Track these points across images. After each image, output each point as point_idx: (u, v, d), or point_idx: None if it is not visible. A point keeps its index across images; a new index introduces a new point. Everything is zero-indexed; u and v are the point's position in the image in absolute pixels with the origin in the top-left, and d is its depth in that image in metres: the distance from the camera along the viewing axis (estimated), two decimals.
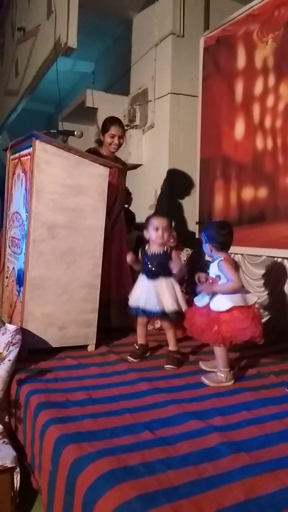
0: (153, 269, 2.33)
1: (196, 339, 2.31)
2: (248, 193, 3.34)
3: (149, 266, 2.34)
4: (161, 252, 2.35)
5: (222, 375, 2.09)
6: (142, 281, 2.36)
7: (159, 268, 2.33)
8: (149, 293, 2.29)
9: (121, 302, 2.77)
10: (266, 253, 3.05)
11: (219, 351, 2.10)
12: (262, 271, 3.11)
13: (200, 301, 2.17)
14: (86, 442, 1.49)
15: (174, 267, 2.37)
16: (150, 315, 2.35)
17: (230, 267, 2.09)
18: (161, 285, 2.30)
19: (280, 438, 1.57)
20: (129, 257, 2.41)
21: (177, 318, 2.28)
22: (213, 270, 2.16)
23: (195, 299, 2.22)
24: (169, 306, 2.26)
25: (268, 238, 3.05)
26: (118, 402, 1.85)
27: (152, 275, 2.32)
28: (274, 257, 3.03)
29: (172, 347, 2.40)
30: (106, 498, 1.21)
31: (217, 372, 2.11)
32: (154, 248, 2.37)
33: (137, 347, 2.46)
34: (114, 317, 2.96)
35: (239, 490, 1.26)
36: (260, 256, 3.11)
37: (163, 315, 2.28)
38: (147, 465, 1.36)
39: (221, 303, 2.05)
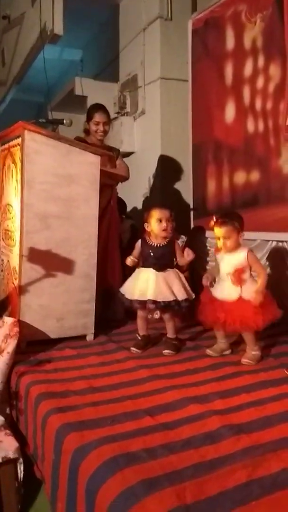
0: (160, 261, 2.30)
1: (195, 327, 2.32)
2: (240, 177, 3.32)
3: (155, 258, 2.31)
4: (165, 244, 2.33)
5: (258, 352, 2.20)
6: (146, 274, 2.31)
7: (165, 259, 2.32)
8: (159, 284, 2.26)
9: (104, 293, 2.75)
10: (261, 237, 3.04)
11: (251, 335, 2.18)
12: (258, 255, 3.10)
13: (228, 294, 2.17)
14: (88, 430, 1.49)
15: (179, 257, 2.37)
16: (160, 307, 2.30)
17: (256, 257, 2.24)
18: (170, 276, 2.30)
19: (281, 419, 1.58)
20: (131, 262, 2.37)
21: (188, 307, 2.30)
22: (235, 261, 2.16)
23: (219, 293, 2.21)
24: (183, 295, 2.27)
25: (262, 221, 3.04)
26: (119, 389, 1.85)
27: (159, 267, 2.29)
28: (269, 240, 3.03)
29: (171, 334, 2.40)
30: (109, 484, 1.21)
31: (251, 352, 2.18)
32: (157, 240, 2.34)
33: (139, 338, 2.43)
34: (98, 307, 2.86)
35: (241, 471, 1.26)
36: (254, 240, 3.11)
37: (176, 304, 2.26)
38: (149, 450, 1.36)
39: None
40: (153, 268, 2.30)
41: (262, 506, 1.14)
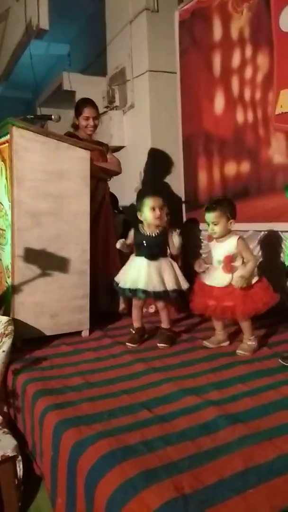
0: (153, 250, 2.31)
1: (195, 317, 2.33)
2: (231, 168, 3.32)
3: (148, 247, 2.31)
4: (158, 233, 2.34)
5: (254, 343, 2.20)
6: (139, 262, 2.32)
7: (157, 248, 2.33)
8: (150, 274, 2.27)
9: (109, 287, 2.76)
10: (253, 228, 3.05)
11: (247, 324, 2.19)
12: (250, 246, 3.11)
13: (218, 281, 2.18)
14: (85, 425, 1.50)
15: (171, 246, 2.37)
16: (151, 296, 2.30)
17: (247, 244, 2.23)
18: (161, 265, 2.30)
19: (276, 407, 1.60)
20: (119, 244, 2.36)
21: (179, 297, 2.31)
22: (226, 248, 2.17)
23: (209, 280, 2.22)
24: (172, 285, 2.27)
25: (253, 212, 3.05)
26: (115, 384, 1.86)
27: (151, 257, 2.30)
28: (260, 231, 3.04)
29: (165, 325, 2.41)
30: (108, 478, 1.22)
31: (247, 342, 2.19)
32: (151, 229, 2.34)
33: (134, 332, 2.42)
34: (102, 302, 2.94)
35: (238, 460, 1.28)
36: (247, 231, 3.11)
37: (165, 294, 2.27)
38: (146, 443, 1.37)
39: None
40: (146, 257, 2.30)
41: (259, 494, 1.15)
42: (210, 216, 2.18)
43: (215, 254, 2.23)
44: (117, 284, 2.38)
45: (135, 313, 2.45)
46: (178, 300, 2.37)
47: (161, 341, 2.33)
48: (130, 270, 2.34)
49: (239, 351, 2.16)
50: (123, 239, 2.39)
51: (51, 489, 1.51)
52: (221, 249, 2.20)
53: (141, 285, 2.26)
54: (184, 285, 2.33)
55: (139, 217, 2.37)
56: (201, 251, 3.62)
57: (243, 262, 2.19)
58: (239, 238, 2.19)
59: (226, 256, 2.16)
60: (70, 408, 1.64)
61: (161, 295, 2.28)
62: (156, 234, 2.34)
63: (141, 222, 2.37)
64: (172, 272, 2.31)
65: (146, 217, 2.33)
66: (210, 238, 2.30)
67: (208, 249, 2.39)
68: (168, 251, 2.40)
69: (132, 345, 2.34)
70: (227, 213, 2.17)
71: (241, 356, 2.13)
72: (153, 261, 2.30)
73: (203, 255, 3.57)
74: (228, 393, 1.72)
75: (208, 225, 2.20)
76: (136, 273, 2.30)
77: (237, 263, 2.18)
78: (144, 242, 2.32)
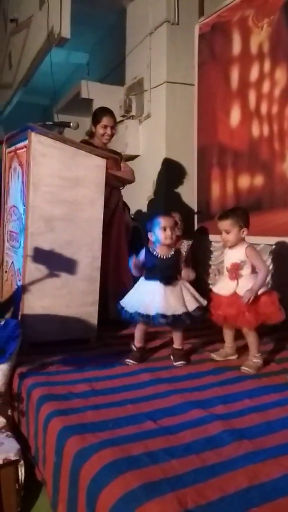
0: (167, 273, 2.17)
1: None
2: (244, 181, 3.32)
3: (161, 271, 2.17)
4: (171, 255, 2.21)
5: (260, 361, 2.16)
6: (152, 287, 2.16)
7: (171, 271, 2.19)
8: (167, 298, 2.12)
9: (120, 294, 2.76)
10: (264, 241, 3.04)
11: (253, 338, 2.16)
12: None
13: (225, 289, 2.18)
14: (89, 433, 1.49)
15: (182, 270, 2.24)
16: (169, 320, 2.12)
17: (258, 253, 2.21)
18: (177, 287, 2.18)
19: (283, 424, 1.57)
20: (132, 262, 2.25)
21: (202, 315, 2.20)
22: (235, 256, 2.17)
23: (217, 288, 2.22)
24: (192, 305, 2.16)
25: (266, 226, 3.04)
26: (120, 393, 1.85)
27: (166, 281, 2.16)
28: (272, 245, 3.02)
29: (177, 345, 2.28)
30: (110, 488, 1.21)
31: (253, 359, 2.15)
32: (163, 251, 2.20)
33: (135, 349, 2.31)
34: (113, 309, 2.94)
35: (242, 477, 1.26)
36: (258, 244, 3.10)
37: (186, 317, 2.13)
38: (150, 454, 1.36)
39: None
40: (160, 282, 2.16)
41: None
42: (223, 224, 2.19)
43: (226, 262, 2.24)
44: (123, 308, 2.23)
45: (139, 334, 2.30)
46: (199, 319, 2.21)
47: (176, 360, 2.22)
48: (142, 295, 2.18)
49: (243, 368, 2.12)
50: (135, 259, 2.24)
51: (52, 495, 1.50)
52: (230, 257, 2.20)
53: (159, 309, 2.10)
54: (203, 301, 2.21)
55: (149, 238, 2.24)
56: (210, 262, 3.61)
57: (252, 272, 2.18)
58: (248, 246, 2.18)
59: (232, 263, 2.16)
60: (75, 415, 1.63)
61: (181, 319, 2.13)
62: (170, 256, 2.20)
63: (151, 242, 2.25)
64: (188, 292, 2.19)
65: (157, 238, 2.20)
66: (224, 246, 2.31)
67: (219, 260, 2.39)
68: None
69: (133, 362, 2.24)
70: (240, 222, 2.17)
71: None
72: (169, 285, 2.16)
73: (212, 266, 3.57)
74: (234, 407, 1.71)
75: (221, 233, 2.21)
76: (150, 297, 2.15)
77: (244, 271, 2.16)
78: (157, 264, 2.19)
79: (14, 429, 1.89)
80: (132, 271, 2.28)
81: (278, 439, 1.48)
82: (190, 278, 2.23)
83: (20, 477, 1.70)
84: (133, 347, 2.33)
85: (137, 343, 2.31)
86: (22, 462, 1.70)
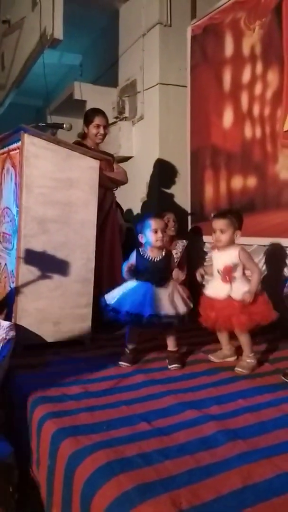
0: (158, 275, 2.16)
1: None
2: (237, 182, 3.33)
3: (152, 273, 2.17)
4: (162, 257, 2.21)
5: (253, 361, 2.16)
6: (144, 289, 2.15)
7: (163, 273, 2.19)
8: (158, 299, 2.12)
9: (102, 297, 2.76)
10: (257, 242, 3.05)
11: (245, 339, 2.17)
12: (255, 260, 3.11)
13: (218, 292, 2.17)
14: (83, 435, 1.49)
15: (174, 270, 2.25)
16: (159, 321, 2.12)
17: (250, 255, 2.21)
18: (168, 289, 2.17)
19: (276, 424, 1.58)
20: (126, 267, 2.25)
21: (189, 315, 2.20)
22: (227, 258, 2.17)
23: (209, 291, 2.21)
24: (182, 308, 2.15)
25: (259, 227, 3.05)
26: (114, 394, 1.85)
27: (157, 283, 2.15)
28: (265, 245, 3.04)
29: (172, 347, 2.27)
30: (104, 490, 1.21)
31: (247, 360, 2.15)
32: (154, 253, 2.20)
33: (128, 351, 2.29)
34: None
35: (236, 477, 1.26)
36: (251, 245, 3.12)
37: (177, 318, 2.13)
38: (144, 456, 1.36)
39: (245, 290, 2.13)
40: (152, 283, 2.15)
41: None
42: (218, 223, 2.18)
43: (216, 264, 2.23)
44: (110, 306, 2.18)
45: (131, 335, 2.28)
46: (186, 321, 2.22)
47: (171, 362, 2.20)
48: (133, 295, 2.15)
49: (237, 369, 2.13)
50: (130, 264, 2.25)
51: (46, 498, 1.50)
52: (222, 259, 2.20)
53: (151, 310, 2.08)
54: (190, 304, 2.21)
55: (140, 240, 2.23)
56: (205, 263, 3.62)
57: (243, 274, 2.19)
58: (240, 248, 2.19)
59: (226, 266, 2.16)
60: (68, 417, 1.63)
61: (173, 320, 2.13)
62: (161, 258, 2.20)
63: (142, 244, 2.24)
64: (179, 295, 2.19)
65: (147, 240, 2.19)
66: (214, 247, 2.30)
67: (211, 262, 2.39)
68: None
69: (126, 364, 2.22)
70: (235, 223, 2.18)
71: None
72: (161, 287, 2.16)
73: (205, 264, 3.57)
74: (228, 408, 1.71)
75: (215, 232, 2.21)
76: (142, 298, 2.12)
77: (237, 274, 2.17)
78: (148, 267, 2.18)
79: (7, 431, 1.88)
80: (125, 275, 2.27)
81: (271, 439, 1.48)
82: (180, 279, 2.25)
83: (14, 480, 1.69)
84: (126, 349, 2.31)
85: (129, 344, 2.29)
86: (15, 465, 1.69)
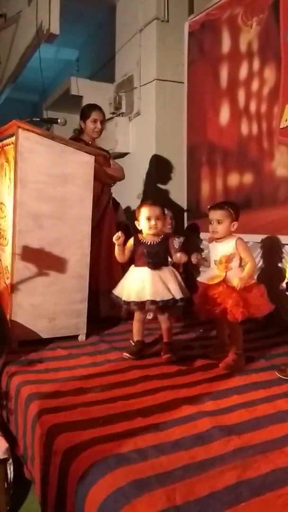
0: (154, 260, 2.20)
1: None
2: (234, 179, 3.33)
3: (149, 257, 2.21)
4: (159, 241, 2.24)
5: (240, 360, 2.13)
6: (141, 273, 2.19)
7: (159, 257, 2.22)
8: (155, 284, 2.15)
9: (111, 292, 2.76)
10: (254, 239, 3.05)
11: (237, 332, 2.17)
12: None
13: (210, 279, 2.17)
14: (78, 431, 1.49)
15: (173, 255, 2.28)
16: (158, 306, 2.17)
17: (247, 245, 2.22)
18: (165, 274, 2.20)
19: (271, 420, 1.59)
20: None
21: (184, 305, 2.22)
22: (224, 249, 2.18)
23: (203, 278, 2.22)
24: (179, 294, 2.17)
25: (255, 223, 3.05)
26: (110, 390, 1.84)
27: (154, 266, 2.20)
28: (261, 242, 3.03)
29: (167, 339, 2.29)
30: (99, 486, 1.21)
31: (233, 357, 2.12)
32: (149, 238, 2.24)
33: (133, 344, 2.32)
34: (103, 307, 2.94)
35: (231, 472, 1.27)
36: (247, 242, 3.11)
37: (173, 303, 2.16)
38: (139, 451, 1.36)
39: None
40: (148, 267, 2.19)
41: (251, 508, 1.14)
42: (216, 214, 2.19)
43: (213, 255, 2.24)
44: (117, 297, 2.24)
45: (136, 326, 2.33)
46: (181, 309, 2.27)
47: (165, 353, 2.23)
48: (132, 282, 2.21)
49: (221, 365, 2.10)
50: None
51: (41, 494, 1.49)
52: (219, 250, 2.20)
53: (148, 296, 2.13)
54: (187, 293, 2.24)
55: (136, 226, 2.28)
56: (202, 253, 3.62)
57: (240, 265, 2.19)
58: (238, 238, 2.19)
59: (223, 255, 2.16)
60: (64, 412, 1.63)
61: (170, 305, 2.16)
62: (157, 243, 2.24)
63: (140, 231, 2.30)
64: (176, 280, 2.21)
65: (141, 227, 2.25)
66: (210, 239, 2.30)
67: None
68: (170, 259, 2.33)
69: (130, 356, 2.24)
70: (232, 215, 2.18)
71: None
72: (156, 270, 2.18)
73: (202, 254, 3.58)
74: (223, 404, 1.71)
75: (212, 223, 2.21)
76: (141, 284, 2.17)
77: (234, 264, 2.17)
78: (145, 251, 2.22)
79: (2, 427, 1.88)
80: (118, 254, 2.28)
81: (265, 435, 1.49)
82: (182, 261, 2.26)
83: (9, 476, 1.69)
84: (131, 341, 2.34)
85: (135, 336, 2.33)
86: (11, 460, 1.69)
